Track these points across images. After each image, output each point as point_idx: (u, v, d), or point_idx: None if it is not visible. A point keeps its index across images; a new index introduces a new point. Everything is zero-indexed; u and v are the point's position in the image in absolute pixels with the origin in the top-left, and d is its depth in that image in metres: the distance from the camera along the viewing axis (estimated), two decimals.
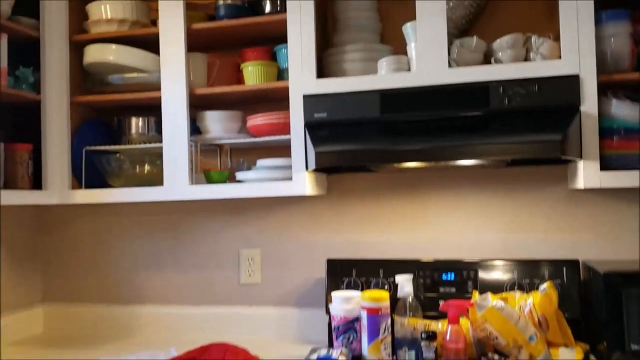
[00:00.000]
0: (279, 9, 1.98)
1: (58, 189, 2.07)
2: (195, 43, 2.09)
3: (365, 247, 2.14)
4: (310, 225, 2.19)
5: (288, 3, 1.89)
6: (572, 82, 1.66)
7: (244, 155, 2.25)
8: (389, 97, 1.77)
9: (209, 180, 2.05)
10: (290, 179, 1.90)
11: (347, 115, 1.81)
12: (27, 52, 2.06)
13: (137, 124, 2.17)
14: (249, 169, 2.15)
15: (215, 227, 2.29)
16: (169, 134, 1.99)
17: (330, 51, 1.95)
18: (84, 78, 2.13)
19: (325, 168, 1.91)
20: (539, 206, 1.99)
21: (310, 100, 1.84)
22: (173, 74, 1.99)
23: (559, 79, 1.67)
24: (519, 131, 1.65)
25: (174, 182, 1.98)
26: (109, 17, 2.09)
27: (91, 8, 2.12)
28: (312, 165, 1.80)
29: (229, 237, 2.28)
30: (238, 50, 2.16)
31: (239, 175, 2.01)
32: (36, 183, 2.06)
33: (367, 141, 1.76)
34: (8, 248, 2.28)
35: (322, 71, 1.96)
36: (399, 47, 1.97)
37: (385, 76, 1.81)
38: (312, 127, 1.83)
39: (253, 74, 2.01)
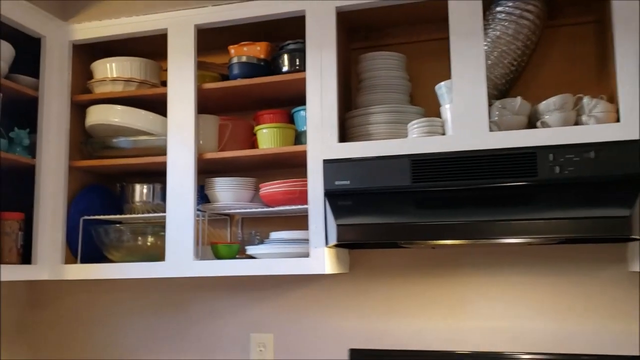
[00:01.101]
0: (297, 67, 1.81)
1: (49, 263, 1.86)
2: (206, 104, 1.93)
3: (393, 336, 1.87)
4: (330, 308, 1.94)
5: (308, 61, 1.73)
6: (634, 149, 1.44)
7: (257, 226, 2.03)
8: (421, 164, 1.56)
9: (217, 254, 1.83)
10: (307, 255, 1.68)
11: (373, 183, 1.60)
12: (23, 113, 1.91)
13: (141, 191, 1.98)
14: (261, 241, 1.93)
15: (223, 307, 2.05)
16: (174, 203, 1.79)
17: (353, 112, 1.76)
18: (85, 141, 1.96)
19: (348, 243, 1.68)
20: (594, 291, 1.72)
21: (331, 166, 1.64)
22: (181, 137, 1.81)
23: (618, 144, 1.45)
24: (574, 205, 1.42)
25: (177, 256, 1.76)
26: (115, 76, 1.94)
27: (96, 67, 1.97)
28: (332, 240, 1.57)
29: (238, 318, 2.03)
30: (252, 112, 1.98)
31: (250, 249, 1.79)
32: (26, 256, 1.85)
33: (396, 214, 1.53)
34: None
35: (345, 134, 1.76)
36: (430, 109, 1.78)
37: (417, 140, 1.60)
38: (333, 197, 1.62)
39: (268, 138, 1.82)
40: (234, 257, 1.83)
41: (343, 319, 1.92)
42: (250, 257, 1.80)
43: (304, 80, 1.74)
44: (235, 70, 1.85)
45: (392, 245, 1.79)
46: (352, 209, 1.59)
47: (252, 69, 1.84)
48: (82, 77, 2.00)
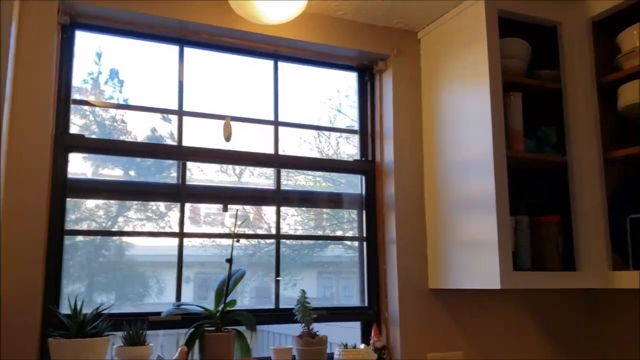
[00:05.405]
0: None
1: (594, 269, 1.65)
2: None
3: None
4: None
5: None
6: None
7: None
8: None
9: None
10: None
11: None
12: (546, 109, 1.79)
13: None
14: None
15: None
16: None
17: None
18: (619, 127, 1.68)
19: None
20: None
21: None
22: None
23: None
24: None
25: None
26: None
27: (622, 38, 1.68)
28: None
29: None
30: None
31: None
32: (567, 261, 1.70)
33: None
34: (550, 333, 1.97)
35: None
36: None
37: None
38: None
39: None
40: None
41: None
42: None
43: None
44: None
45: None
46: None
47: None
48: (604, 56, 1.73)
